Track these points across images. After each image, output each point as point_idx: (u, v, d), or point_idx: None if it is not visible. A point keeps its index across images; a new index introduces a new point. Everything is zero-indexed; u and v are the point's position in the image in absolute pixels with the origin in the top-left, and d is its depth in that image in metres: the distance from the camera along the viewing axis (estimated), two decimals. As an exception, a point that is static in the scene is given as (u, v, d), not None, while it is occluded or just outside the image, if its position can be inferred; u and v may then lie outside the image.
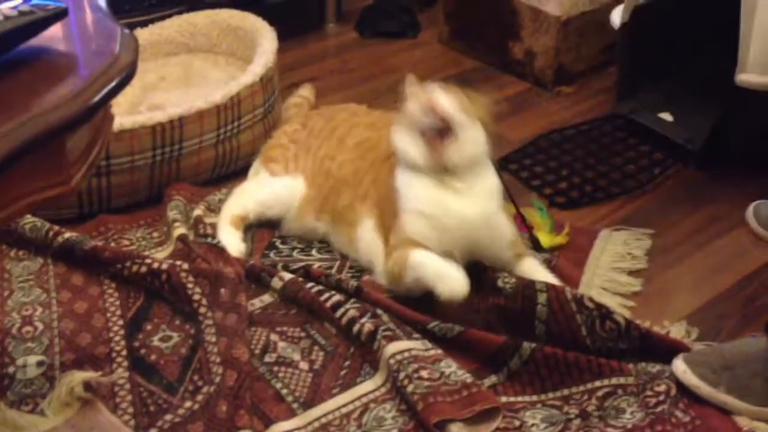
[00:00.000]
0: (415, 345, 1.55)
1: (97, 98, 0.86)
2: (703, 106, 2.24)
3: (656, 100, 2.36)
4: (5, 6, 0.95)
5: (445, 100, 1.66)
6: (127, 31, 0.99)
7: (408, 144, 1.69)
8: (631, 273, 1.84)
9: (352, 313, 1.62)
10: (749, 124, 2.12)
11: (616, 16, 2.35)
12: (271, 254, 1.86)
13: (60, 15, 0.98)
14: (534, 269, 1.73)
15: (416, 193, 1.69)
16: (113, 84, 0.89)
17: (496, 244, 1.73)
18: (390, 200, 1.73)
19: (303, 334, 1.65)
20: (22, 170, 0.80)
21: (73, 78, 0.91)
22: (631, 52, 2.36)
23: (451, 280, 1.60)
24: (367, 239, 1.79)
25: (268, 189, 1.92)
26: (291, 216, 1.90)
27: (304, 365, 1.58)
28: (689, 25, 2.34)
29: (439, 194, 1.68)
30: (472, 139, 1.68)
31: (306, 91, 2.27)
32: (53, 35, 0.98)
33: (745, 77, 2.03)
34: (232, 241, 1.84)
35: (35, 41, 0.97)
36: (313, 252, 1.87)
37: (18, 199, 0.81)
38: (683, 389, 1.50)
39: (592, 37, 2.61)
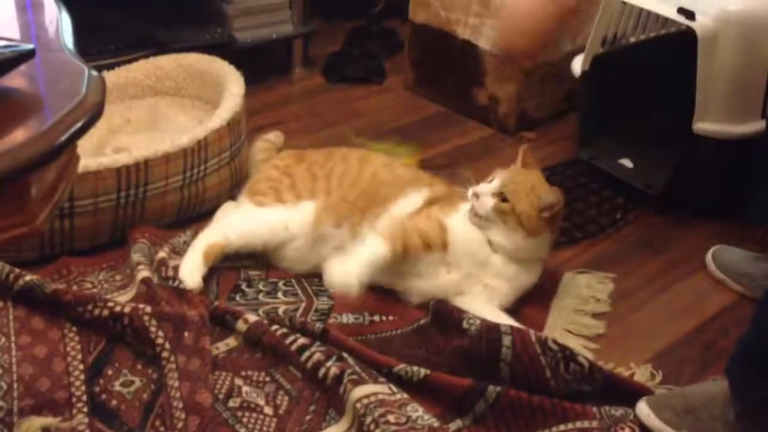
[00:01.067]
0: (382, 389, 1.55)
1: (62, 138, 0.86)
2: (662, 152, 2.28)
3: (616, 146, 2.40)
4: (-28, 46, 0.95)
5: (487, 199, 1.78)
6: (94, 72, 0.99)
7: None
8: (595, 316, 1.86)
9: (317, 356, 1.61)
10: (707, 170, 2.17)
11: (577, 65, 2.40)
12: (237, 297, 1.85)
13: (27, 55, 0.98)
14: (495, 314, 1.75)
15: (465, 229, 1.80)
16: (79, 124, 0.89)
17: (486, 293, 1.80)
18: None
19: (268, 379, 1.63)
20: (-14, 209, 0.79)
21: (38, 118, 0.91)
22: (592, 99, 2.41)
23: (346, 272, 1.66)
24: (393, 215, 1.83)
25: (256, 218, 1.91)
26: (306, 240, 1.90)
27: (268, 410, 1.57)
28: (648, 73, 2.40)
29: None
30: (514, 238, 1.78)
31: (273, 136, 2.29)
32: (20, 75, 0.98)
33: (702, 125, 2.08)
34: (194, 273, 1.82)
35: (1, 81, 0.97)
36: (279, 295, 1.86)
37: (-19, 239, 0.81)
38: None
39: (554, 85, 2.66)
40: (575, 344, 1.75)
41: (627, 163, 2.36)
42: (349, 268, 1.67)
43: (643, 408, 1.53)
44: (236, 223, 1.92)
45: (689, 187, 2.18)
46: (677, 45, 2.22)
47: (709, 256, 2.02)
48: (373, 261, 1.69)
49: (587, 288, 1.93)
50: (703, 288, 1.97)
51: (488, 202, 1.78)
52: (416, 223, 1.79)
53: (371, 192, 1.90)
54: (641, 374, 1.68)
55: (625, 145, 2.40)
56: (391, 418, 1.48)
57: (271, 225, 1.89)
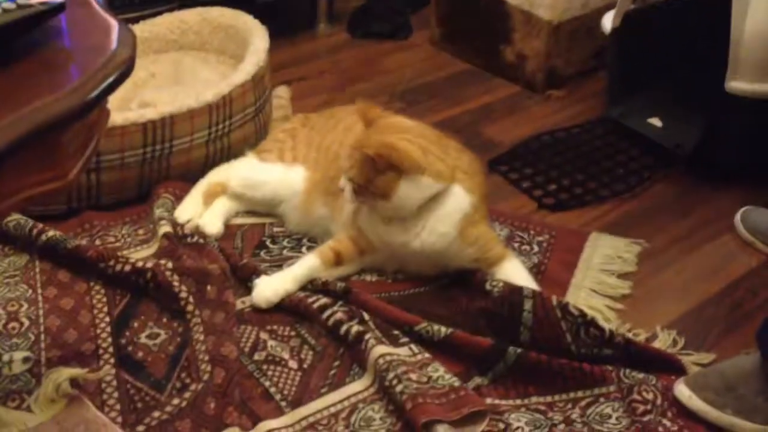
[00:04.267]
0: (403, 351, 1.56)
1: (94, 93, 0.86)
2: (692, 112, 2.25)
3: (646, 105, 2.37)
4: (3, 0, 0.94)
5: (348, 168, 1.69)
6: (125, 26, 0.98)
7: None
8: (621, 276, 1.84)
9: (339, 315, 1.63)
10: (738, 130, 2.13)
11: (607, 22, 2.36)
12: (261, 253, 1.85)
13: (58, 9, 0.97)
14: (513, 272, 1.73)
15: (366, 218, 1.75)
16: (111, 80, 0.89)
17: (456, 264, 1.75)
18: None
19: (293, 333, 1.65)
20: (20, 164, 0.79)
21: (70, 73, 0.91)
22: (621, 57, 2.37)
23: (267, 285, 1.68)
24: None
25: (257, 170, 1.96)
26: (297, 206, 1.90)
27: (293, 364, 1.58)
28: (679, 31, 2.36)
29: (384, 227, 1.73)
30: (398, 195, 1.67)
31: (282, 91, 2.30)
32: (51, 29, 0.97)
33: (735, 84, 2.04)
34: (190, 206, 1.91)
35: (32, 35, 0.96)
36: (303, 250, 1.87)
37: (15, 193, 0.81)
38: (671, 400, 1.51)
39: (583, 42, 2.62)
40: (600, 304, 1.75)
41: (656, 122, 2.32)
42: (272, 283, 1.70)
43: (683, 390, 1.50)
44: (237, 170, 1.97)
45: (719, 148, 2.15)
46: (710, 2, 2.17)
47: (737, 217, 2.00)
48: (300, 275, 1.72)
49: (613, 248, 1.92)
50: (731, 249, 1.95)
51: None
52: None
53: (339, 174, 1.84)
54: (663, 340, 1.67)
55: (654, 104, 2.36)
56: (413, 376, 1.49)
57: (268, 179, 1.93)
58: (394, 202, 1.66)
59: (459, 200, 1.71)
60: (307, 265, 1.72)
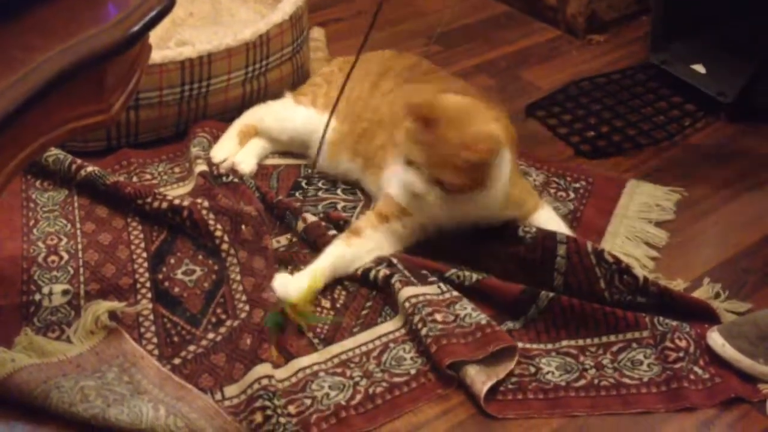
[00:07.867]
0: (431, 290, 1.57)
1: (137, 27, 0.86)
2: (736, 59, 2.20)
3: (689, 52, 2.32)
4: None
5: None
6: (166, -40, 0.97)
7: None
8: (658, 224, 1.82)
9: (367, 264, 1.64)
10: (783, 79, 2.09)
11: (653, -36, 2.31)
12: (296, 194, 1.86)
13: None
14: (546, 221, 1.70)
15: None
16: (153, 14, 0.88)
17: (494, 223, 1.71)
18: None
19: (327, 274, 1.66)
20: (65, 96, 0.80)
21: (113, 6, 0.90)
22: (667, 1, 2.31)
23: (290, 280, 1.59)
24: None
25: (290, 112, 1.94)
26: (323, 154, 1.87)
27: (326, 303, 1.60)
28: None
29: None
30: None
31: (316, 33, 2.27)
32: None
33: (782, 31, 1.99)
34: (225, 145, 1.91)
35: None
36: (338, 192, 1.87)
37: (59, 125, 0.82)
38: (705, 347, 1.50)
39: (626, -15, 2.57)
40: (637, 252, 1.74)
41: (700, 68, 2.28)
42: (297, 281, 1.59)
43: (716, 338, 1.49)
44: (273, 110, 1.97)
45: (763, 96, 2.10)
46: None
47: (779, 167, 1.97)
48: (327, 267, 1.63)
49: (651, 196, 1.89)
50: (770, 199, 1.93)
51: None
52: None
53: (369, 135, 1.83)
54: (704, 291, 1.65)
55: (698, 50, 2.31)
56: (438, 317, 1.50)
57: (296, 123, 1.92)
58: (493, 187, 1.59)
59: (504, 163, 1.62)
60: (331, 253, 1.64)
